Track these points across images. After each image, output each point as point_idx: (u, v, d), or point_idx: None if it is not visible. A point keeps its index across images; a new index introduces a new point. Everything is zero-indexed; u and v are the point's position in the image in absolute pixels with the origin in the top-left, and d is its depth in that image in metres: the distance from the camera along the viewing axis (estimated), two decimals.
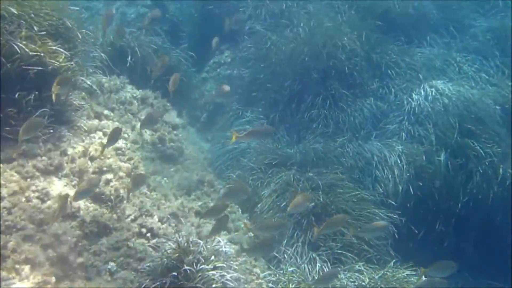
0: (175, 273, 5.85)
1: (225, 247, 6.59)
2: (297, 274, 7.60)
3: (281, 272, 7.65)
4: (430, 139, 10.27)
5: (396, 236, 8.85)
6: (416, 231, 9.50)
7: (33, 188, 6.24)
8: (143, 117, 8.15)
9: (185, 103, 12.03)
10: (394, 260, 8.26)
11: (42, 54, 6.64)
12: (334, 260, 8.03)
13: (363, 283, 7.42)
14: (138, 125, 8.32)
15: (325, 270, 7.69)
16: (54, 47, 6.88)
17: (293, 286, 7.28)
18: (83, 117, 7.43)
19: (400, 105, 11.16)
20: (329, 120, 11.12)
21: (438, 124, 10.46)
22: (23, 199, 6.06)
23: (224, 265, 6.20)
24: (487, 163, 9.69)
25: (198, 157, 9.09)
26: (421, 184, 9.74)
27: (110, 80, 8.84)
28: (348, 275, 7.66)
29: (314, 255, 8.01)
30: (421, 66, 11.92)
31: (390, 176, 9.79)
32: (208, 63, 13.67)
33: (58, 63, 6.85)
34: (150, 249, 6.42)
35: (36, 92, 6.66)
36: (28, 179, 6.29)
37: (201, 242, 6.24)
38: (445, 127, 10.34)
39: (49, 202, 6.24)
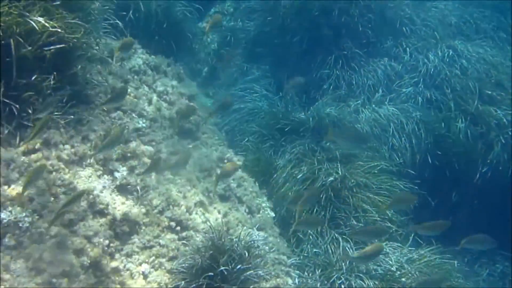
0: (211, 274, 5.45)
1: (258, 241, 6.17)
2: (321, 257, 7.28)
3: (305, 255, 7.32)
4: (449, 105, 9.84)
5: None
6: (431, 200, 9.20)
7: (59, 182, 5.66)
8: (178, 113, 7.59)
9: (189, 58, 11.32)
10: (412, 235, 8.00)
11: (60, 30, 5.86)
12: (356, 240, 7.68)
13: (391, 268, 7.13)
14: (155, 97, 7.72)
15: (349, 251, 7.39)
16: (72, 21, 6.10)
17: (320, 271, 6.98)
18: (100, 94, 6.75)
19: (416, 66, 10.64)
20: (341, 81, 10.60)
21: (457, 89, 10.01)
22: (52, 198, 5.49)
23: (260, 261, 5.83)
24: (509, 132, 9.31)
25: (213, 130, 8.50)
26: (439, 153, 9.37)
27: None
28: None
29: (336, 234, 7.66)
30: (437, 24, 11.34)
31: (407, 145, 9.39)
32: (209, 12, 12.85)
33: (77, 38, 6.10)
34: (181, 245, 5.97)
35: (55, 73, 5.93)
36: (54, 173, 5.70)
37: (235, 239, 5.79)
38: (464, 92, 9.90)
39: None
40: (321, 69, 10.71)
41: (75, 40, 6.02)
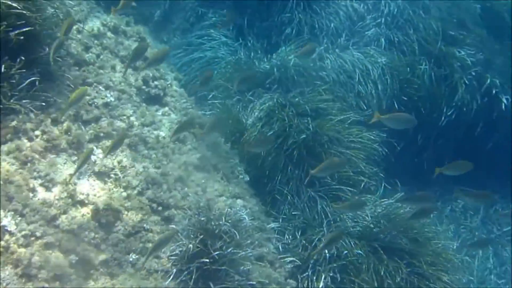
0: (201, 260, 5.41)
1: (242, 215, 6.12)
2: (300, 218, 7.35)
3: (284, 217, 7.37)
4: (413, 47, 9.79)
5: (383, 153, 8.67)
6: (397, 145, 9.34)
7: (35, 174, 5.39)
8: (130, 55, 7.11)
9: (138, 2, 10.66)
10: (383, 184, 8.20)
11: (25, 12, 5.39)
12: (331, 196, 7.77)
13: (369, 225, 7.30)
14: (118, 64, 7.29)
15: (326, 209, 7.49)
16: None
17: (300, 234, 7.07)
18: (63, 68, 6.32)
19: (378, 6, 10.43)
20: (303, 25, 10.29)
21: (420, 29, 9.93)
22: (31, 194, 5.22)
23: (249, 241, 5.81)
24: (473, 73, 9.40)
25: (181, 93, 8.13)
26: (405, 98, 9.42)
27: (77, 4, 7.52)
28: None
29: (312, 193, 7.71)
30: None
31: (373, 91, 9.37)
32: None
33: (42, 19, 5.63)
34: (166, 227, 5.84)
35: (22, 57, 5.50)
36: (28, 164, 5.40)
37: (221, 222, 5.70)
38: (427, 33, 9.84)
39: (54, 190, 5.44)
40: (282, 13, 10.35)
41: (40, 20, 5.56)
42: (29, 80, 5.57)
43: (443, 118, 9.36)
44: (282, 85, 9.21)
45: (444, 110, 9.39)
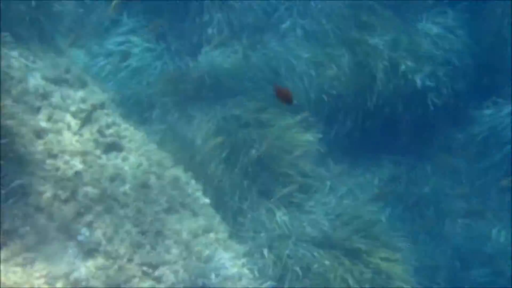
0: None
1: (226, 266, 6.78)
2: (263, 234, 8.06)
3: (247, 235, 8.02)
4: (328, 36, 10.36)
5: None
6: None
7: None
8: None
9: None
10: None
11: None
12: (287, 204, 8.50)
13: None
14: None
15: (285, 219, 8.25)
16: None
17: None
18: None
19: None
20: (222, 23, 10.52)
21: (333, 16, 10.49)
22: None
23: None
24: (386, 57, 10.18)
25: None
26: (332, 91, 10.10)
27: None
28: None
29: (270, 205, 8.40)
30: None
31: (300, 85, 9.97)
32: None
33: None
34: None
35: None
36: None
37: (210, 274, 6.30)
38: (339, 20, 10.44)
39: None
40: (200, 13, 10.47)
41: None
42: None
43: (368, 104, 10.13)
44: (216, 92, 9.55)
45: (369, 96, 10.14)
